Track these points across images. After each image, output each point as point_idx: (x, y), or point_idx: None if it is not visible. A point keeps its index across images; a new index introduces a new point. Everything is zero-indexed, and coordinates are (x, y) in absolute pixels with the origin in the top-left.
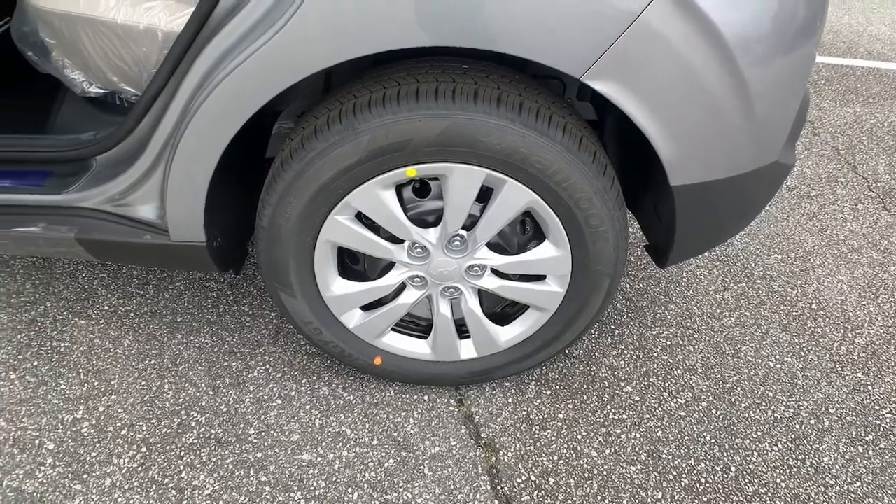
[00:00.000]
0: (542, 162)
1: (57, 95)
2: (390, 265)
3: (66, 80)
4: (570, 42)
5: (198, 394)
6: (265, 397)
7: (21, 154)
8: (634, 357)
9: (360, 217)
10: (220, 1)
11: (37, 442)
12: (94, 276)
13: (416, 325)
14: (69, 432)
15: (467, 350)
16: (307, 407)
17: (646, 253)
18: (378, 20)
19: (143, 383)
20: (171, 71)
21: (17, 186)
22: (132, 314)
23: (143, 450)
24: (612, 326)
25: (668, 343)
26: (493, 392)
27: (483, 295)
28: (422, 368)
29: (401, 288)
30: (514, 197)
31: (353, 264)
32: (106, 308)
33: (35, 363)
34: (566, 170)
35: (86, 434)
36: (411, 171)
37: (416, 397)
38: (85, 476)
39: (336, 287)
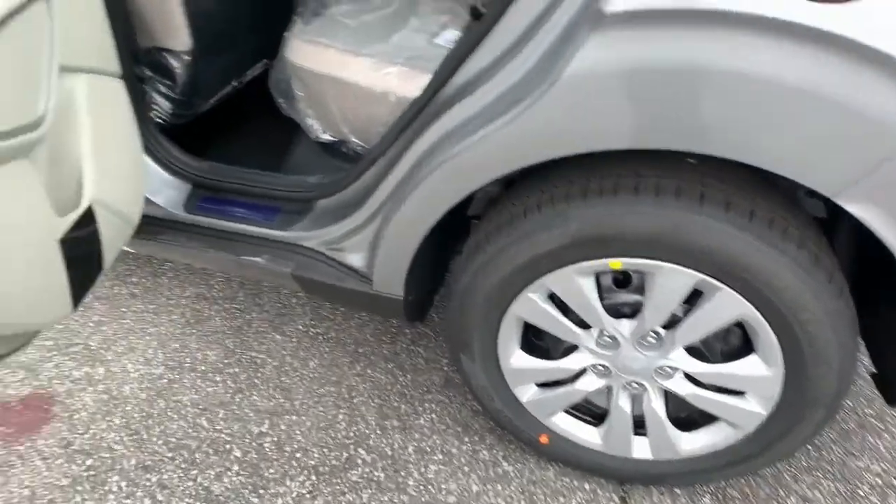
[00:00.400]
0: (768, 275)
1: (292, 137)
2: (574, 347)
3: (304, 125)
4: (827, 161)
5: (367, 430)
6: (427, 448)
7: (257, 189)
8: (833, 490)
9: (553, 297)
10: (453, 76)
11: (228, 447)
12: (293, 294)
13: (590, 411)
14: (254, 444)
15: (641, 449)
16: (466, 468)
17: (862, 370)
18: (621, 119)
19: (321, 409)
20: (399, 134)
21: (250, 218)
22: (321, 337)
23: (313, 478)
24: (810, 447)
25: (879, 482)
26: (662, 497)
27: (669, 396)
28: (588, 456)
29: (581, 371)
30: (728, 306)
31: (536, 339)
32: (300, 327)
33: (236, 370)
34: (795, 287)
35: (267, 449)
36: (616, 264)
37: (576, 483)
38: (261, 491)
39: (516, 360)
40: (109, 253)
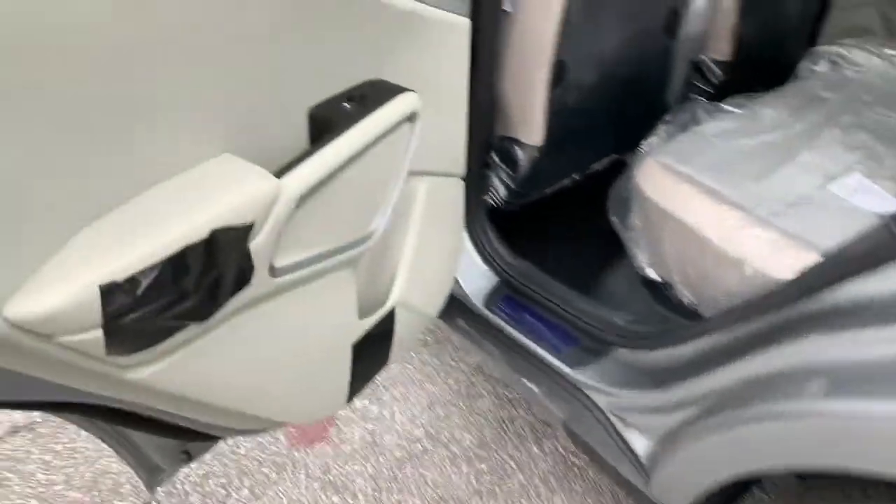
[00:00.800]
0: None
1: (614, 257)
2: None
3: (631, 252)
4: None
5: None
6: None
7: (558, 309)
8: None
9: None
10: (853, 281)
11: None
12: None
13: None
14: None
15: None
16: None
17: None
18: None
19: None
20: (743, 321)
21: (542, 339)
22: (576, 471)
23: None
24: None
25: None
26: None
27: None
28: None
29: None
30: None
31: None
32: (560, 448)
33: (484, 466)
34: None
35: None
36: None
37: None
38: None
39: None
40: (398, 349)
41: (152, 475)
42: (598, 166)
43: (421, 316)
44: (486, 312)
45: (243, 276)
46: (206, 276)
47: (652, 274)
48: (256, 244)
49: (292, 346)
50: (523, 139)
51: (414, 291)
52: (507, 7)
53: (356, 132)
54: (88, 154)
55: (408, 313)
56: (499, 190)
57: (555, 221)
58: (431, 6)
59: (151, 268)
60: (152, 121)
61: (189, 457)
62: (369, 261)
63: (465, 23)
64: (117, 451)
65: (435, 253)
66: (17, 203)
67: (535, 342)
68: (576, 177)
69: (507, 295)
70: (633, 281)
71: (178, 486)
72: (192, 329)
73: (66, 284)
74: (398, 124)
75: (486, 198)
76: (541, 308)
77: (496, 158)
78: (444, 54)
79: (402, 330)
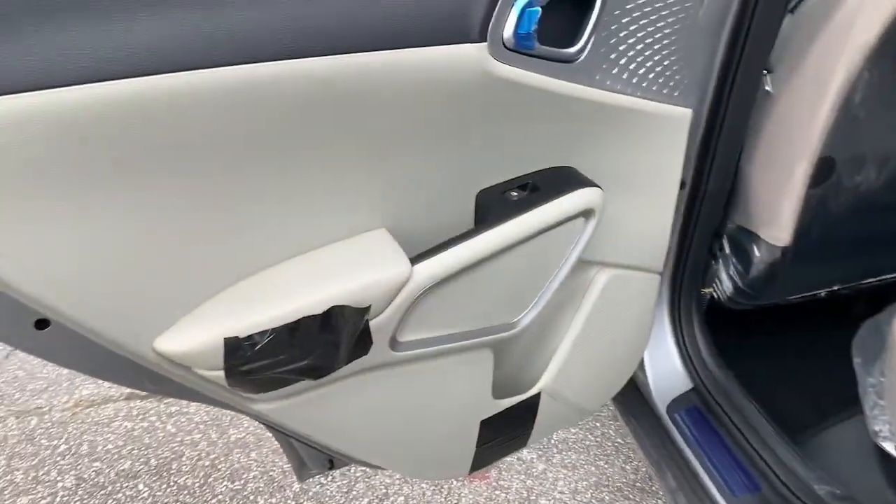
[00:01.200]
0: None
1: (849, 405)
2: None
3: (866, 408)
4: None
5: None
6: None
7: (749, 448)
8: None
9: None
10: None
11: None
12: None
13: None
14: None
15: None
16: None
17: None
18: None
19: None
20: None
21: (716, 472)
22: None
23: None
24: None
25: None
26: None
27: None
28: None
29: None
30: None
31: None
32: None
33: None
34: None
35: None
36: None
37: None
38: None
39: None
40: (539, 435)
41: (302, 469)
42: (876, 282)
43: (572, 409)
44: (665, 417)
45: (361, 346)
46: (321, 343)
47: (887, 446)
48: (377, 321)
49: (413, 411)
50: (764, 236)
51: (569, 382)
52: (767, 87)
53: (512, 225)
54: (251, 219)
55: (555, 403)
56: (724, 284)
57: (786, 336)
58: (655, 98)
59: (270, 331)
60: (320, 194)
61: (332, 465)
62: (522, 342)
63: (684, 114)
64: (277, 439)
65: (605, 349)
66: (180, 261)
67: (707, 472)
68: (836, 288)
69: (695, 406)
70: (860, 444)
71: (351, 470)
72: (311, 382)
73: (202, 333)
74: (569, 219)
75: (708, 291)
76: (728, 435)
77: (728, 249)
78: (655, 147)
79: (546, 418)
